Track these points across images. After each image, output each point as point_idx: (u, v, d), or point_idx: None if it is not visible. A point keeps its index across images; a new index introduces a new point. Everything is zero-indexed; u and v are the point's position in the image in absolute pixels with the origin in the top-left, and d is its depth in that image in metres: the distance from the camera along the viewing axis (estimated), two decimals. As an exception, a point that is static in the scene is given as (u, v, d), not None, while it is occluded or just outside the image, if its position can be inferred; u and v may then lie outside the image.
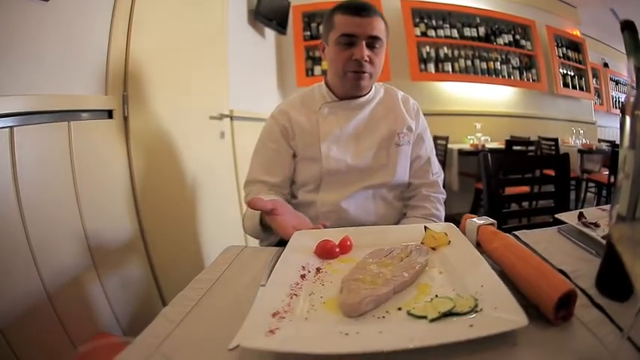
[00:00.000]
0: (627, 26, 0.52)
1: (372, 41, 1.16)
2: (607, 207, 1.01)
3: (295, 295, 0.58)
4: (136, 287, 1.48)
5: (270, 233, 1.11)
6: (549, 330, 0.49)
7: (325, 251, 0.75)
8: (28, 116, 1.08)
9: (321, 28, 4.21)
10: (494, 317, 0.48)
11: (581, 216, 0.92)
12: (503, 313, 0.49)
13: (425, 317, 0.50)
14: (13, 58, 1.06)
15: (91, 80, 1.36)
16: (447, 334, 0.46)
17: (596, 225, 0.87)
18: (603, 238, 0.79)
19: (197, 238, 1.95)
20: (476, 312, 0.50)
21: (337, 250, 0.75)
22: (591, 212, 0.95)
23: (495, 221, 0.80)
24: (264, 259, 0.78)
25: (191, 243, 1.91)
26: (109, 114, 1.44)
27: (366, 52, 1.15)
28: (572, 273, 0.65)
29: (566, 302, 0.50)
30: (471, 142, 4.39)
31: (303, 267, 0.68)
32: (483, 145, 4.16)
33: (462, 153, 4.03)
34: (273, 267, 0.67)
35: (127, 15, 1.51)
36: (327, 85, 1.28)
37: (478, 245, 0.75)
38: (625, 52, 0.52)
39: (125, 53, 1.50)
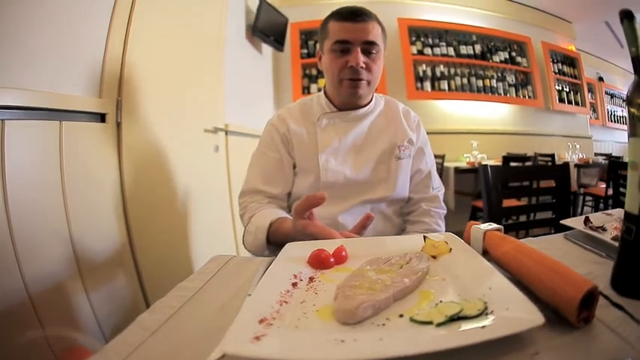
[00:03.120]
0: (626, 16, 0.53)
1: (368, 47, 1.12)
2: (612, 211, 1.01)
3: (285, 302, 0.53)
4: (121, 297, 1.41)
5: (272, 250, 1.05)
6: (571, 334, 0.45)
7: (319, 261, 0.68)
8: (19, 111, 1.05)
9: (318, 46, 4.29)
10: (507, 318, 0.43)
11: (587, 221, 0.90)
12: (516, 313, 0.44)
13: (430, 323, 0.45)
14: (7, 52, 1.03)
15: (85, 81, 1.34)
16: (458, 338, 0.41)
17: (603, 229, 0.85)
18: (613, 239, 0.76)
19: (187, 250, 1.89)
20: (486, 314, 0.45)
21: (332, 260, 0.70)
22: (597, 217, 0.94)
23: (502, 227, 0.76)
24: (252, 269, 0.73)
25: (181, 254, 1.86)
26: (102, 118, 1.41)
27: (362, 58, 1.11)
28: (586, 275, 0.60)
29: (587, 303, 0.45)
30: (468, 160, 4.35)
31: (295, 275, 0.62)
32: (479, 163, 4.11)
33: (458, 171, 4.00)
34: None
35: (124, 22, 1.51)
36: (326, 95, 1.25)
37: (485, 253, 0.70)
38: (627, 43, 0.54)
39: (121, 59, 1.49)
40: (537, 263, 0.54)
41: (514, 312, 0.44)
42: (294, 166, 1.23)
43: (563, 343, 0.43)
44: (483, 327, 0.42)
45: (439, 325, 0.44)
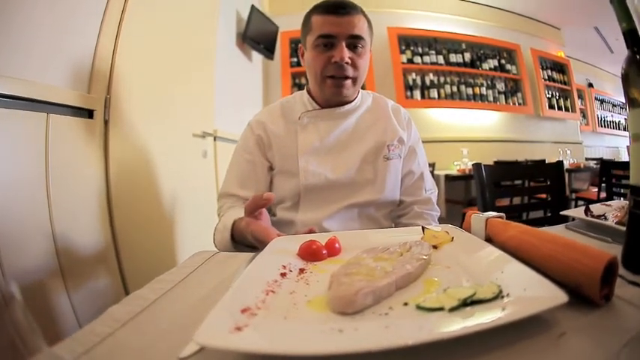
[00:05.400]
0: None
1: (354, 41, 1.05)
2: (612, 203, 1.00)
3: (272, 292, 0.47)
4: (104, 297, 1.34)
5: (239, 249, 0.98)
6: (594, 312, 0.41)
7: (310, 252, 0.63)
8: (6, 100, 1.01)
9: (301, 41, 4.32)
10: (528, 298, 0.38)
11: (587, 210, 0.89)
12: (536, 292, 0.39)
13: (441, 309, 0.39)
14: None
15: (74, 75, 1.30)
16: (479, 322, 0.35)
17: (605, 218, 0.84)
18: (618, 224, 0.74)
19: (172, 255, 1.83)
20: (502, 297, 0.40)
21: (324, 252, 0.64)
22: (596, 208, 0.93)
23: (503, 214, 0.72)
24: (236, 264, 0.67)
25: (166, 258, 1.79)
26: (90, 114, 1.36)
27: (347, 53, 1.04)
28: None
29: (607, 278, 0.42)
30: (458, 167, 4.32)
31: (284, 266, 0.57)
32: (470, 170, 4.10)
33: (449, 179, 3.96)
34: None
35: (116, 21, 1.49)
36: (309, 93, 1.18)
37: (488, 240, 0.65)
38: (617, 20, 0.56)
39: (112, 58, 1.46)
40: (549, 242, 0.50)
41: (533, 292, 0.39)
42: (272, 168, 1.18)
43: (588, 322, 0.40)
44: (503, 309, 0.37)
45: (452, 309, 0.39)
